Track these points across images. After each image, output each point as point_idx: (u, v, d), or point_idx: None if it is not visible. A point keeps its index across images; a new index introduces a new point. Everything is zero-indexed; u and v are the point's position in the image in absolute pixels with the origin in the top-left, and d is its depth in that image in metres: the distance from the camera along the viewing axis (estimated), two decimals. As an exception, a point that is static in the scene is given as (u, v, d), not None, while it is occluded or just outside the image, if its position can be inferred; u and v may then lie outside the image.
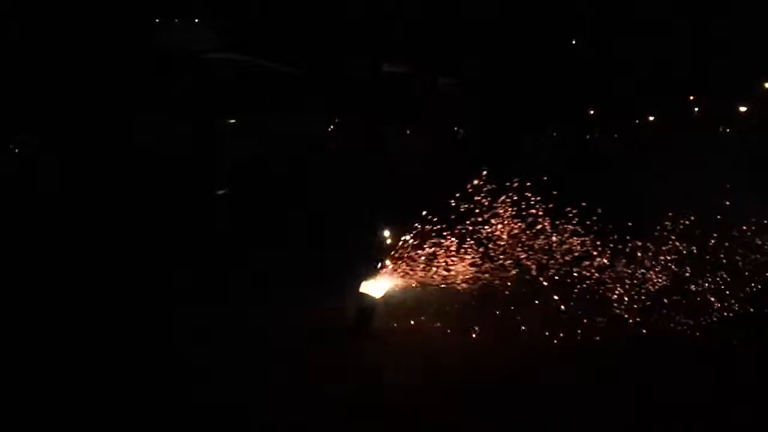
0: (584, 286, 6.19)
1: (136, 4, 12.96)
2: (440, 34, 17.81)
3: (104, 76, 10.44)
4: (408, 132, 15.24)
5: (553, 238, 6.40)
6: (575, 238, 6.46)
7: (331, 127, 12.25)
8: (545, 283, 6.11)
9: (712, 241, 6.75)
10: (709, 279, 6.46)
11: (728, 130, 22.13)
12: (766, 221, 7.80)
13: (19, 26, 11.00)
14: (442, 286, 5.93)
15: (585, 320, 5.79)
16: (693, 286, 6.35)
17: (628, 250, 6.52)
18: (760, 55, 19.32)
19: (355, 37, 17.12)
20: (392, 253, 6.03)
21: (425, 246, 6.17)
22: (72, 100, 9.79)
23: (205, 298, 5.99)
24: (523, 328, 5.62)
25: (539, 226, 6.39)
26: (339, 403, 4.22)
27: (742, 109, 22.82)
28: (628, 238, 6.64)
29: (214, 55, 10.70)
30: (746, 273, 6.63)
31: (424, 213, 6.43)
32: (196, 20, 13.38)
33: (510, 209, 6.44)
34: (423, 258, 6.08)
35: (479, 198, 6.61)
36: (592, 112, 21.17)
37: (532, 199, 6.61)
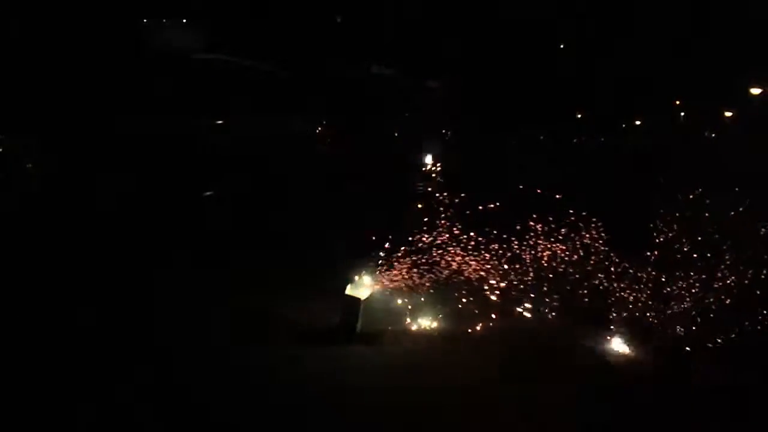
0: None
1: (125, 5, 12.91)
2: (429, 37, 17.88)
3: (93, 75, 10.40)
4: (396, 134, 15.28)
5: (531, 243, 6.49)
6: (555, 243, 6.55)
7: (319, 128, 12.26)
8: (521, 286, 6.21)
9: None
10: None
11: (713, 135, 22.39)
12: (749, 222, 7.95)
13: (13, 26, 10.95)
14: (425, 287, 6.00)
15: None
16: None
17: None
18: (746, 62, 19.54)
19: (344, 40, 17.15)
20: (378, 253, 6.07)
21: (411, 248, 6.23)
22: (61, 98, 9.75)
23: (189, 296, 5.98)
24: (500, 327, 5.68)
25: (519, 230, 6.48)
26: (327, 398, 4.25)
27: (728, 114, 23.09)
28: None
29: (201, 55, 10.67)
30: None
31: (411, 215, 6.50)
32: (184, 21, 13.34)
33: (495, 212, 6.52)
34: (409, 259, 6.13)
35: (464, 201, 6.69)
36: (579, 115, 21.33)
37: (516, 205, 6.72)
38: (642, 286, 6.36)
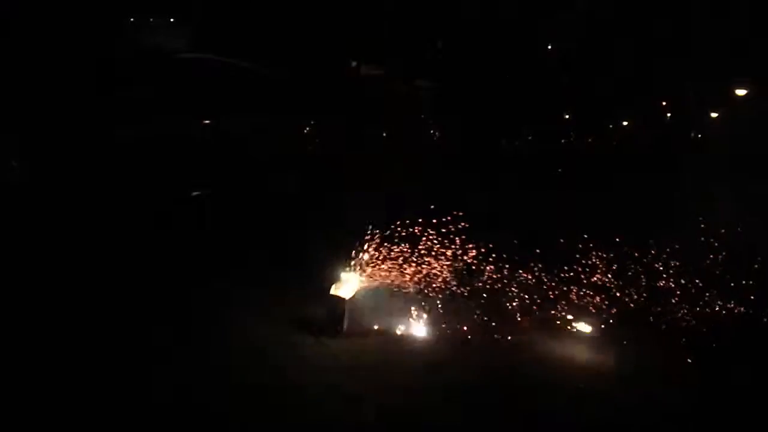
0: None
1: (110, 3, 12.82)
2: (419, 37, 17.92)
3: (77, 75, 10.32)
4: (385, 134, 15.32)
5: (516, 242, 6.52)
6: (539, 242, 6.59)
7: (308, 128, 12.24)
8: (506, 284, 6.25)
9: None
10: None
11: (700, 135, 22.65)
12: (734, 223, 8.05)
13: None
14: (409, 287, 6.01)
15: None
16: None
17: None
18: (731, 63, 19.75)
19: (334, 39, 17.13)
20: (365, 252, 6.07)
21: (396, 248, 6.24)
22: (44, 98, 9.67)
23: (176, 296, 5.95)
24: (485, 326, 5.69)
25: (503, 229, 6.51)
26: (312, 399, 4.25)
27: (714, 114, 23.33)
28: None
29: (188, 55, 10.62)
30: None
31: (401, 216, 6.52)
32: (171, 19, 13.29)
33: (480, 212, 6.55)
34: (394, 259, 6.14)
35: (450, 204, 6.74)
36: (567, 116, 21.49)
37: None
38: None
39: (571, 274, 6.45)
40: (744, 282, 6.51)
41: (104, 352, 4.68)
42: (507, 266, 6.37)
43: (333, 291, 5.51)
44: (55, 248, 6.88)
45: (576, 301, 6.18)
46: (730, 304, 6.25)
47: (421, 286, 6.04)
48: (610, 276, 6.44)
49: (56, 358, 4.48)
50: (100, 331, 5.04)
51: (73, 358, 4.53)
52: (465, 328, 5.68)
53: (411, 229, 6.43)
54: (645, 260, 6.62)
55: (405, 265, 6.08)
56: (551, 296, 6.16)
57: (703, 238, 7.13)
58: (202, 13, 14.48)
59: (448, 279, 6.13)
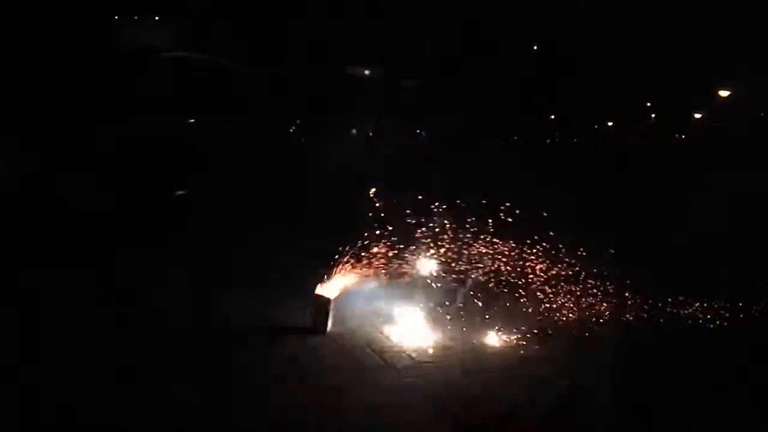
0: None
1: (96, 1, 12.73)
2: (403, 37, 17.96)
3: (61, 73, 10.23)
4: (371, 133, 15.32)
5: (502, 242, 6.55)
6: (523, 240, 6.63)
7: (293, 128, 12.22)
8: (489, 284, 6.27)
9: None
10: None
11: (683, 136, 22.91)
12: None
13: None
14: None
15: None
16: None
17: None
18: (715, 65, 19.98)
19: (319, 39, 17.12)
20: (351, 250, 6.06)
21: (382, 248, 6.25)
22: (28, 96, 9.57)
23: (162, 295, 5.90)
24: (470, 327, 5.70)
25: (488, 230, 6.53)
26: (297, 401, 4.23)
27: (697, 116, 23.62)
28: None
29: (173, 53, 10.56)
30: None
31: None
32: (156, 18, 13.22)
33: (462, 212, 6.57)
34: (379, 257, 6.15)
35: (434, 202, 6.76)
36: (552, 117, 21.64)
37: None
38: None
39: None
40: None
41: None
42: (484, 265, 6.40)
43: (318, 291, 5.49)
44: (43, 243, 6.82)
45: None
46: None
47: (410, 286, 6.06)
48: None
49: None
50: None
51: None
52: (450, 327, 5.69)
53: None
54: None
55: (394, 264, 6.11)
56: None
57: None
58: (189, 13, 14.41)
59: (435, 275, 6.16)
